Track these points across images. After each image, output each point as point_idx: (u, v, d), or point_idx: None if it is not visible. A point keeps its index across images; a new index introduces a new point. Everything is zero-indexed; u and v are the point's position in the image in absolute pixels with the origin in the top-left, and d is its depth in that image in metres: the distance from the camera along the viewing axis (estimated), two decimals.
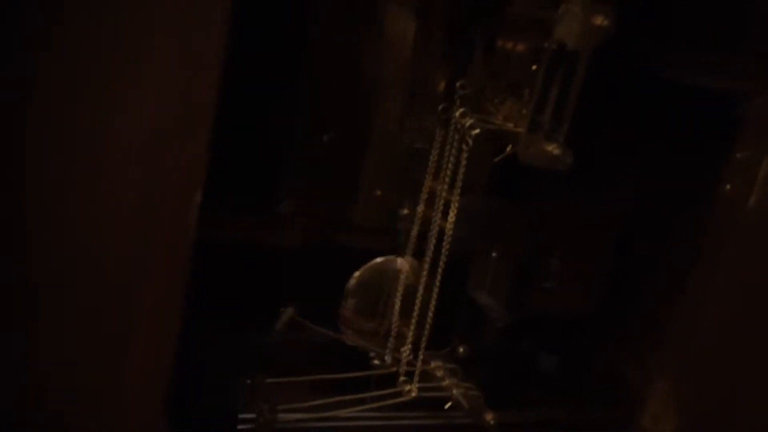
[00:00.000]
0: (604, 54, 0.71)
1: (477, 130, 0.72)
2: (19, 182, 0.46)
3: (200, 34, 0.47)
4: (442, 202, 0.78)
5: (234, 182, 0.79)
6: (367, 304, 0.84)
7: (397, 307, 0.83)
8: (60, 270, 0.48)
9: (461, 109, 0.75)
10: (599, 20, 0.66)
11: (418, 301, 0.80)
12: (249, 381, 0.76)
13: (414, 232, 0.82)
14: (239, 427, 0.74)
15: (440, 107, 0.78)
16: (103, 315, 0.50)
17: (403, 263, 0.84)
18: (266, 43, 0.79)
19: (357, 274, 0.84)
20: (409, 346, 0.82)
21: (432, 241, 0.79)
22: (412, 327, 0.81)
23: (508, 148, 0.73)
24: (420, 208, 0.81)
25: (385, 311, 0.84)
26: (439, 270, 0.79)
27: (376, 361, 0.84)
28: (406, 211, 0.84)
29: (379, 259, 0.84)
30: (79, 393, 0.51)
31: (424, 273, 0.80)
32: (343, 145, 0.85)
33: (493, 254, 0.88)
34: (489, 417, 0.79)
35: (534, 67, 0.70)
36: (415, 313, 0.81)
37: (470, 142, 0.73)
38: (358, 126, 0.85)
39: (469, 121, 0.73)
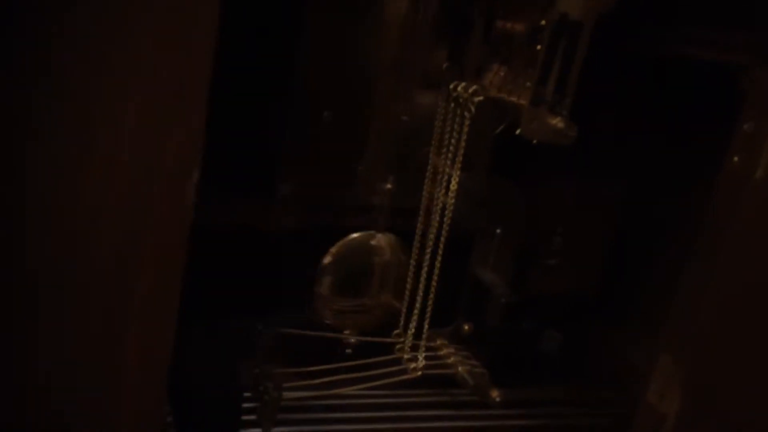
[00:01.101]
0: (605, 30, 0.71)
1: (480, 98, 0.71)
2: (5, 170, 0.45)
3: (192, 12, 0.46)
4: (444, 177, 0.78)
5: (230, 165, 0.78)
6: (343, 281, 0.83)
7: (411, 283, 0.82)
8: (52, 257, 0.47)
9: (462, 84, 0.74)
10: None
11: (425, 280, 0.80)
12: (252, 361, 0.75)
13: (423, 208, 0.81)
14: (244, 405, 0.74)
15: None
16: (99, 301, 0.49)
17: (381, 239, 0.83)
18: (262, 21, 0.78)
19: (332, 250, 0.82)
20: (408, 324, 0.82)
21: (436, 217, 0.78)
22: (418, 304, 0.81)
23: (508, 123, 0.73)
24: (426, 184, 0.80)
25: (361, 288, 0.83)
26: (441, 246, 0.78)
27: (352, 340, 0.83)
28: (388, 186, 0.83)
29: (354, 235, 0.83)
30: (77, 379, 0.51)
31: (428, 250, 0.80)
32: (341, 125, 0.84)
33: (497, 231, 0.87)
34: (494, 394, 0.79)
35: (538, 45, 0.69)
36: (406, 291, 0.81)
37: (472, 109, 0.72)
38: (356, 105, 0.84)
39: (472, 88, 0.72)
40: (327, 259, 0.82)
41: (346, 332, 0.83)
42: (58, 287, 0.48)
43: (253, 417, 0.74)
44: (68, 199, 0.47)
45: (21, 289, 0.48)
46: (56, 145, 0.46)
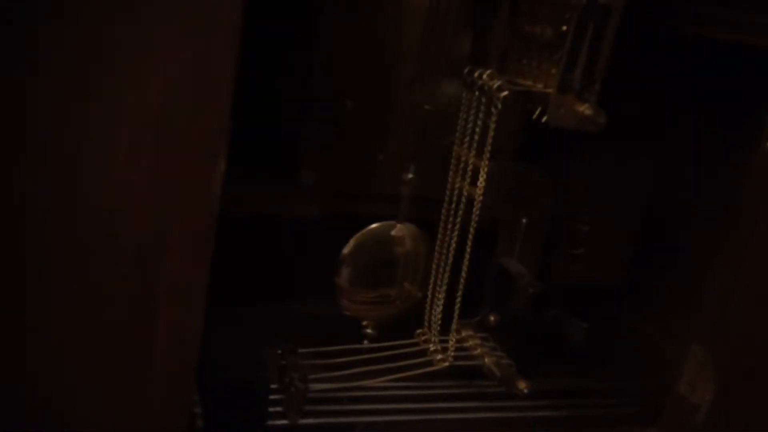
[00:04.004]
0: (635, 12, 0.69)
1: (506, 92, 0.70)
2: (33, 156, 0.45)
3: (217, 1, 0.46)
4: (470, 168, 0.77)
5: (254, 154, 0.78)
6: (362, 272, 0.82)
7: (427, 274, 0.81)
8: (80, 243, 0.48)
9: (488, 71, 0.73)
10: None
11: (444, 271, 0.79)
12: (279, 351, 0.75)
13: (445, 199, 0.80)
14: (271, 397, 0.74)
15: (466, 70, 0.76)
16: (127, 288, 0.50)
17: (402, 229, 0.82)
18: (284, 9, 0.77)
19: (351, 242, 0.81)
20: (437, 316, 0.81)
21: (461, 208, 0.78)
22: (441, 296, 0.80)
23: (537, 111, 0.71)
24: (450, 175, 0.79)
25: (381, 279, 0.82)
26: (470, 237, 0.77)
27: (368, 331, 0.82)
28: (410, 176, 0.81)
29: (373, 226, 0.81)
30: (107, 367, 0.51)
31: (454, 241, 0.79)
32: (365, 113, 0.83)
33: (523, 220, 0.86)
34: (521, 385, 0.78)
35: (564, 27, 0.67)
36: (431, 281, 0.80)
37: (499, 104, 0.71)
38: (379, 93, 0.83)
39: (497, 83, 0.71)
40: (346, 250, 0.80)
41: (365, 323, 0.83)
42: (85, 275, 0.49)
43: (279, 408, 0.74)
44: (95, 187, 0.47)
45: (48, 274, 0.48)
46: (83, 132, 0.46)
